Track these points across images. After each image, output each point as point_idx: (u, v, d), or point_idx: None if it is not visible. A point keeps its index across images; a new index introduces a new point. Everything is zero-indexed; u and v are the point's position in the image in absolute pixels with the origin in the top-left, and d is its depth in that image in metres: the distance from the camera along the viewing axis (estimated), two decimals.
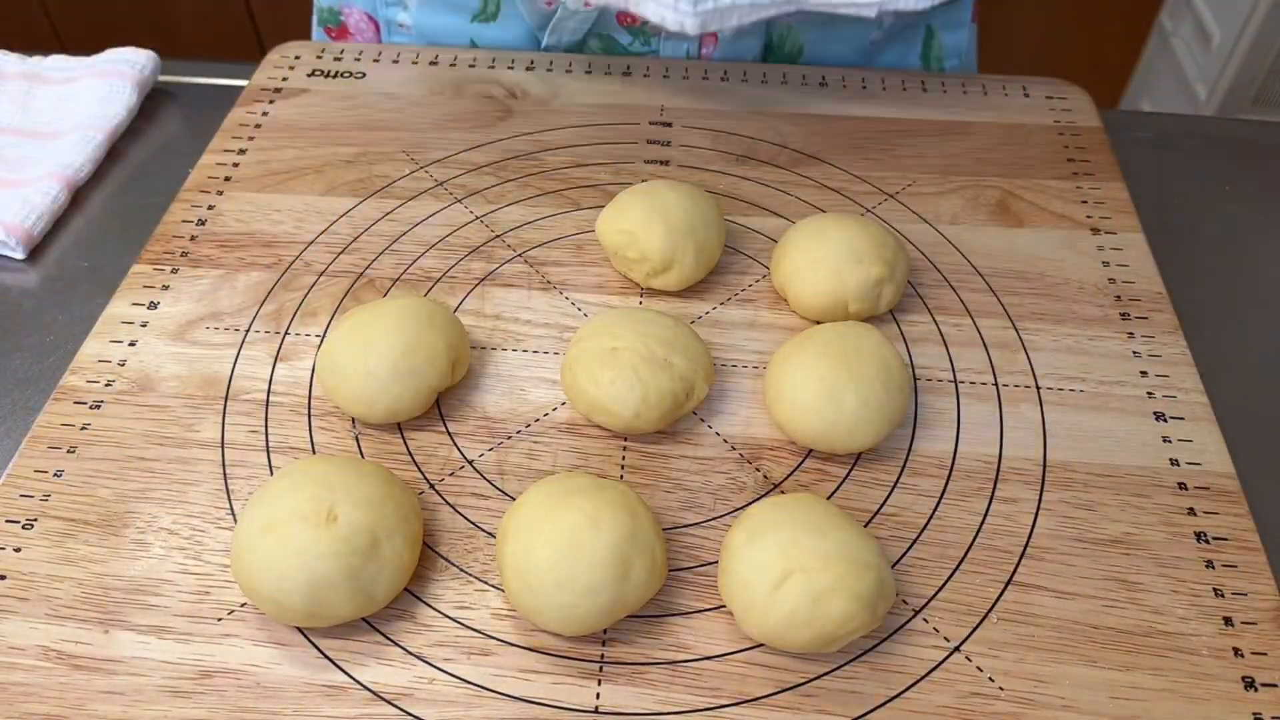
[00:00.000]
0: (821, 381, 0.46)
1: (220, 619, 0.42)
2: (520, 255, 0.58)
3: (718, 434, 0.49)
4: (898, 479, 0.47)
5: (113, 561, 0.44)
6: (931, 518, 0.46)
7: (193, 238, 0.58)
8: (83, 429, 0.49)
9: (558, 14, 0.68)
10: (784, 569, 0.39)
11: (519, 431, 0.49)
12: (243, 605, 0.43)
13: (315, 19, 0.78)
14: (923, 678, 0.41)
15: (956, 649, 0.42)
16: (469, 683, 0.41)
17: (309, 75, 0.70)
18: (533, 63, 0.71)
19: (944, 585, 0.44)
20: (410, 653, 0.41)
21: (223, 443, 0.49)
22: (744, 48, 0.70)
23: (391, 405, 0.47)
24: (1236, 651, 0.41)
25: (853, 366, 0.46)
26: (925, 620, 0.43)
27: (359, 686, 0.40)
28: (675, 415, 0.47)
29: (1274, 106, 1.36)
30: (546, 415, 0.50)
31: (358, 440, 0.49)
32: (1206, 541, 0.45)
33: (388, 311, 0.48)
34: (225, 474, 0.47)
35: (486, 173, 0.63)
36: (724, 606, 0.42)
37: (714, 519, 0.46)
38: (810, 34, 0.70)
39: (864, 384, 0.45)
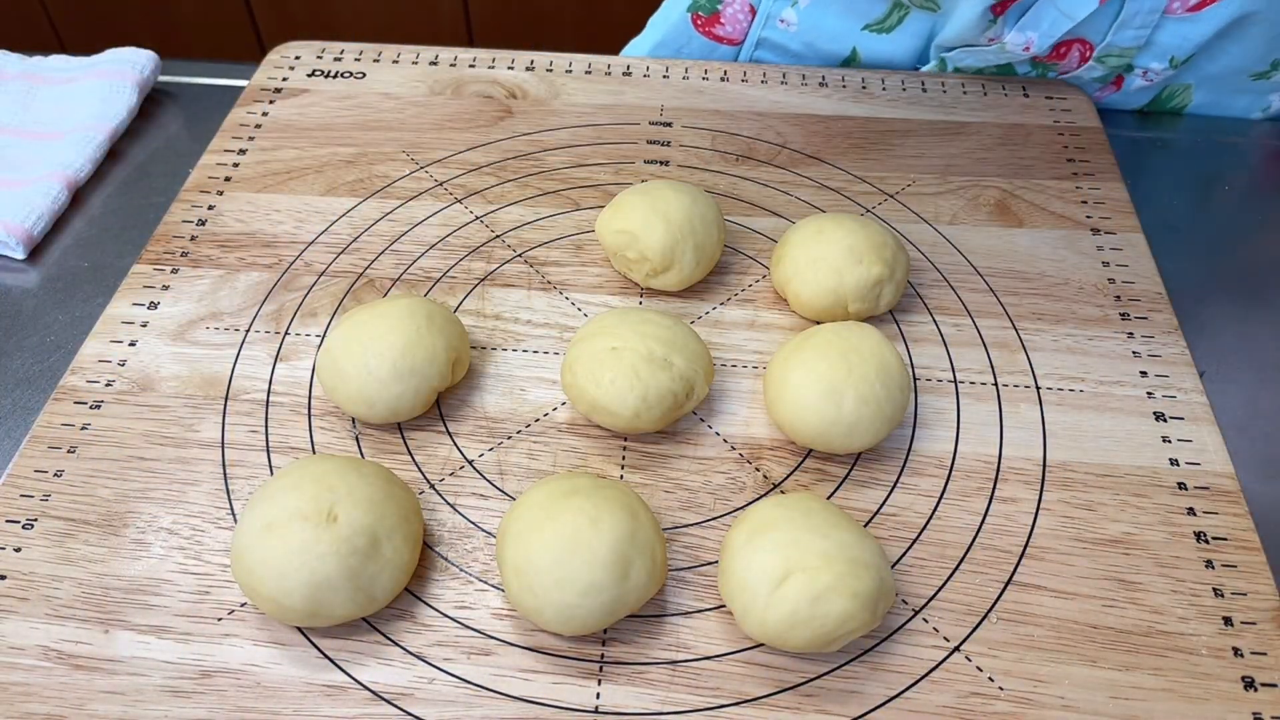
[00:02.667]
0: (821, 381, 0.46)
1: (220, 619, 0.42)
2: (520, 255, 0.58)
3: (718, 434, 0.49)
4: (897, 479, 0.47)
5: (113, 561, 0.44)
6: (931, 518, 0.46)
7: (193, 238, 0.58)
8: (83, 429, 0.49)
9: (996, 47, 0.66)
10: (784, 569, 0.39)
11: (519, 431, 0.49)
12: (243, 605, 0.43)
13: (681, 4, 0.75)
14: (923, 678, 0.41)
15: (956, 649, 0.42)
16: (469, 683, 0.41)
17: (309, 75, 0.70)
18: (532, 63, 0.71)
19: (944, 585, 0.44)
20: (410, 653, 0.41)
21: (223, 443, 0.49)
22: (1133, 99, 0.70)
23: (392, 405, 0.47)
24: (1236, 651, 0.41)
25: (852, 366, 0.46)
26: (925, 620, 0.43)
27: (359, 686, 0.40)
28: (675, 415, 0.47)
29: None
30: (546, 415, 0.50)
31: (358, 440, 0.49)
32: (1206, 541, 0.45)
33: (388, 311, 0.48)
34: (225, 474, 0.47)
35: (486, 173, 0.63)
36: (724, 606, 0.42)
37: (714, 519, 0.46)
38: (1201, 96, 0.70)
39: (863, 384, 0.45)
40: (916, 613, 0.43)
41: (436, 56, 0.72)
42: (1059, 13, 0.63)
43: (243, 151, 0.64)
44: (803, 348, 0.47)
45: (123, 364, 0.52)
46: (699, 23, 0.74)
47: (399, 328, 0.47)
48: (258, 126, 0.66)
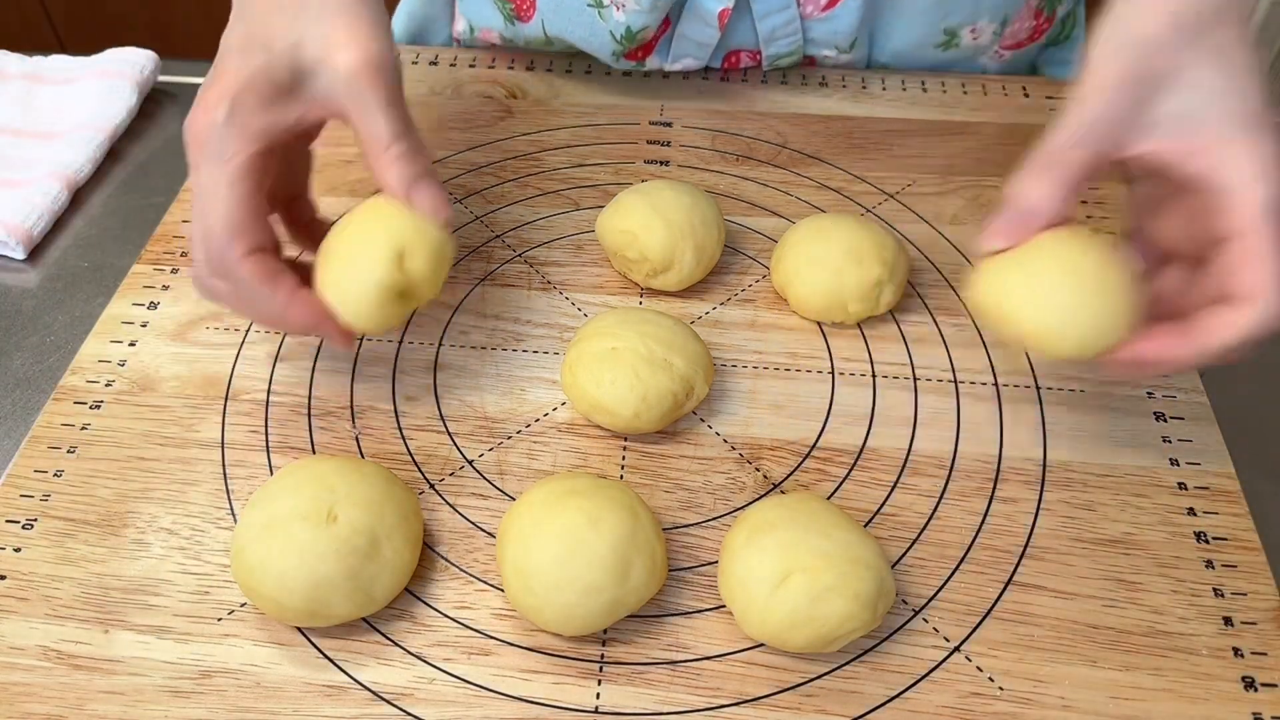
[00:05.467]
0: (1079, 275, 0.42)
1: (220, 619, 0.42)
2: (520, 255, 0.58)
3: (718, 434, 0.49)
4: (897, 479, 0.47)
5: (113, 561, 0.44)
6: (931, 518, 0.46)
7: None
8: (83, 429, 0.49)
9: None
10: (784, 569, 0.39)
11: (519, 431, 0.49)
12: (243, 605, 0.43)
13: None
14: (923, 678, 0.41)
15: (956, 649, 0.42)
16: (469, 683, 0.41)
17: None
18: (532, 63, 0.71)
19: (944, 585, 0.44)
20: (410, 653, 0.41)
21: (223, 443, 0.49)
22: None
23: (354, 311, 0.44)
24: (1236, 651, 0.41)
25: (1085, 273, 0.42)
26: (925, 620, 0.43)
27: (359, 686, 0.40)
28: (675, 415, 0.47)
29: (1273, 107, 1.36)
30: (546, 415, 0.50)
31: (358, 440, 0.49)
32: (1206, 541, 0.45)
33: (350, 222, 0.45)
34: (225, 474, 0.47)
35: (486, 173, 0.63)
36: (724, 606, 0.42)
37: (714, 519, 0.46)
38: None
39: (1103, 290, 0.42)
40: (916, 613, 0.43)
41: (436, 56, 0.72)
42: (693, 47, 0.65)
43: None
44: (1029, 252, 0.43)
45: (123, 364, 0.52)
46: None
47: (352, 226, 0.45)
48: None
